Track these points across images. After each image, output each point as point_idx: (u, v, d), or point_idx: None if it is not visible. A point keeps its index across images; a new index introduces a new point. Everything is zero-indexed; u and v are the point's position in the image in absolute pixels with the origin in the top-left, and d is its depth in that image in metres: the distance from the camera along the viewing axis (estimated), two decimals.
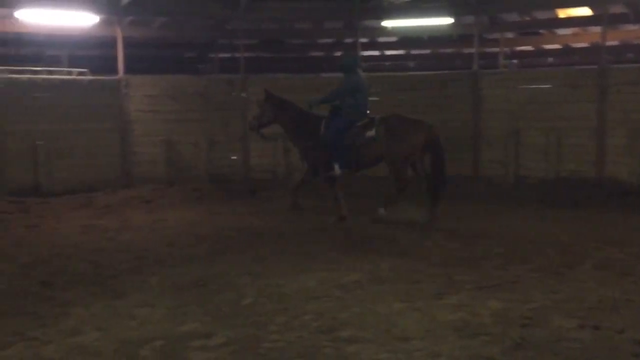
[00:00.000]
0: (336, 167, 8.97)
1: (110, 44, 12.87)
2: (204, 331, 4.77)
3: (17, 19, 11.52)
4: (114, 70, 12.53)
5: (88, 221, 9.30)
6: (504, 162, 12.58)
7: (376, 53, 17.82)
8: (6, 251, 7.53)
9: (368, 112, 9.12)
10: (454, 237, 7.91)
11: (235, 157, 13.04)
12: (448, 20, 13.51)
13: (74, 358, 4.36)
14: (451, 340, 4.51)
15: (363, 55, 14.84)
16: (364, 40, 14.92)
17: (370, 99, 13.49)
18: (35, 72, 11.77)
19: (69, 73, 12.32)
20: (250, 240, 7.90)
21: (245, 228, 8.65)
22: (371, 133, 8.87)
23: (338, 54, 17.58)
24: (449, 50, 17.62)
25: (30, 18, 11.42)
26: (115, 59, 12.52)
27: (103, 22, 12.59)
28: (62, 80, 11.97)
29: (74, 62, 14.19)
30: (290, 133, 9.54)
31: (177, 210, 10.11)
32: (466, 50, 15.78)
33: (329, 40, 17.03)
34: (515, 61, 15.90)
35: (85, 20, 11.85)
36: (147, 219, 9.45)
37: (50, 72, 12.05)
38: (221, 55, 16.50)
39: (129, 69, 12.59)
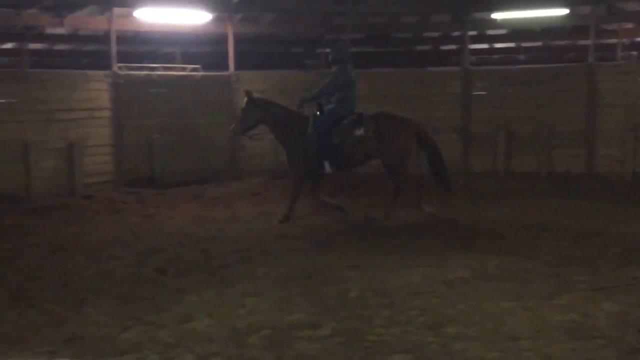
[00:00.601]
0: (326, 165, 8.78)
1: (221, 40, 13.26)
2: (310, 322, 4.85)
3: (136, 18, 12.06)
4: (225, 66, 12.90)
5: (199, 212, 9.64)
6: (621, 159, 12.00)
7: (485, 46, 17.41)
8: (124, 239, 7.93)
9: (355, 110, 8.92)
10: (566, 235, 7.63)
11: None
12: (562, 11, 13.00)
13: (187, 343, 4.54)
14: (563, 342, 4.36)
15: (471, 49, 14.55)
16: (472, 33, 14.62)
17: (476, 93, 13.21)
18: (152, 69, 12.30)
19: (183, 69, 12.79)
20: (355, 234, 7.94)
21: (350, 221, 8.70)
22: (360, 131, 8.67)
23: (445, 47, 17.40)
24: (562, 42, 16.96)
25: (148, 17, 11.94)
26: (225, 55, 12.89)
27: (215, 20, 12.98)
28: (177, 76, 12.45)
29: (187, 58, 14.73)
30: (276, 133, 9.09)
31: (284, 203, 10.27)
32: (581, 42, 15.14)
33: (436, 34, 16.79)
34: (635, 53, 15.09)
35: (198, 18, 12.27)
36: (255, 211, 9.68)
37: (166, 69, 12.56)
38: (328, 50, 16.62)
39: (238, 65, 12.93)
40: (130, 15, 12.07)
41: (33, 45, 14.56)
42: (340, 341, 4.47)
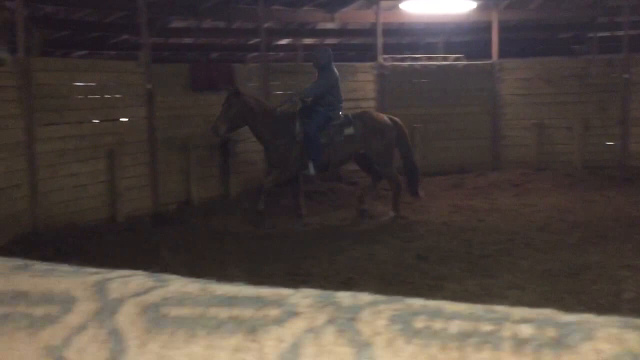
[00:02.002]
0: (311, 166, 8.33)
1: (484, 28, 13.04)
2: None
3: (401, 10, 12.35)
4: (488, 55, 12.68)
5: (459, 201, 9.64)
6: None
7: None
8: (386, 225, 8.23)
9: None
10: None
11: (611, 143, 12.20)
12: None
13: None
14: None
15: None
16: None
17: None
18: (415, 59, 12.53)
19: (445, 59, 12.83)
20: (628, 231, 7.36)
21: (623, 218, 8.08)
22: (349, 131, 8.55)
23: None
24: None
25: (413, 8, 12.16)
26: (488, 43, 12.66)
27: (479, 7, 12.80)
28: (439, 66, 12.53)
29: (449, 48, 14.73)
30: (261, 133, 8.52)
31: (546, 195, 9.88)
32: None
33: None
34: None
35: (463, 6, 12.20)
36: (516, 203, 9.43)
37: (429, 59, 12.70)
38: (600, 34, 15.51)
39: (502, 53, 12.63)
40: (396, 7, 12.40)
41: (305, 40, 15.64)
42: None
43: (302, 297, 0.59)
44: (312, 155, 8.43)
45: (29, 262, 0.74)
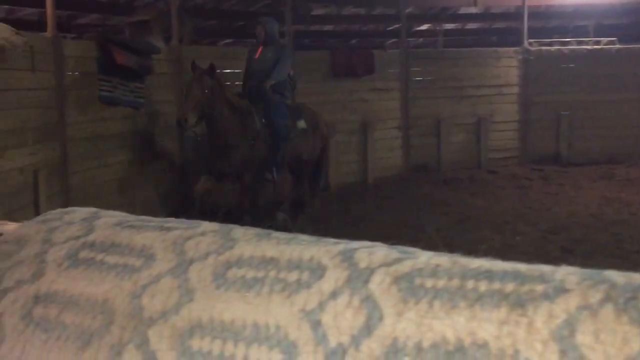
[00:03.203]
0: (274, 169, 6.98)
1: None
2: None
3: None
4: None
5: (608, 193, 9.14)
6: None
7: None
8: (528, 215, 7.95)
9: None
10: None
11: None
12: None
13: None
14: None
15: None
16: None
17: None
18: (564, 44, 11.95)
19: (597, 43, 12.14)
20: None
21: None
22: (302, 124, 7.33)
23: None
24: None
25: None
26: None
27: None
28: (589, 50, 11.88)
29: (600, 31, 13.92)
30: (224, 128, 6.71)
31: None
32: None
33: None
34: None
35: None
36: None
37: (579, 43, 12.07)
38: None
39: None
40: None
41: (446, 26, 15.34)
42: None
43: (567, 274, 0.58)
44: (278, 156, 7.07)
45: (269, 230, 0.78)
